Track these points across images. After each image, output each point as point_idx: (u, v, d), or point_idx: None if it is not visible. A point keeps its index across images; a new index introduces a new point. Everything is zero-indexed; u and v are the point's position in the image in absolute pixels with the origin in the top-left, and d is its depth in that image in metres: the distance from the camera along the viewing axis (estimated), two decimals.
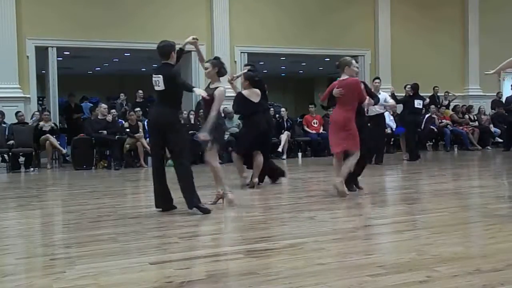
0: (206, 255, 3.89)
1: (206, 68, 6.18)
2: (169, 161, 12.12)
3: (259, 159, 7.68)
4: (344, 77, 6.53)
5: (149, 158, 11.88)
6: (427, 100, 13.97)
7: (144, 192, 7.98)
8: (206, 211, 5.57)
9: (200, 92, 5.76)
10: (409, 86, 12.15)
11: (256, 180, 7.72)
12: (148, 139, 11.79)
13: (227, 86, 6.62)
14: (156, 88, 5.69)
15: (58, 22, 12.97)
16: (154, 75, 5.68)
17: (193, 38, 6.13)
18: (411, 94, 12.03)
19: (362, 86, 6.80)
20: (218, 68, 6.13)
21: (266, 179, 8.08)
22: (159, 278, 3.32)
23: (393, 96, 12.34)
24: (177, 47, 5.94)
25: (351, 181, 6.82)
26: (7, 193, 8.18)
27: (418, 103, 11.98)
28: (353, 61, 6.70)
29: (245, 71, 8.09)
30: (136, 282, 3.25)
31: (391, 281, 3.16)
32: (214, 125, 5.86)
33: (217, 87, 5.99)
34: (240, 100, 7.68)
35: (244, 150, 7.78)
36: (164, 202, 5.77)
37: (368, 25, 16.23)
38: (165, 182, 5.77)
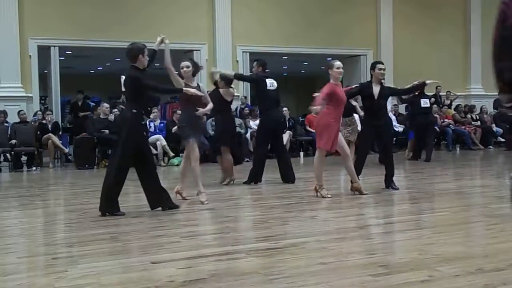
0: (208, 254, 3.89)
1: (187, 67, 6.45)
2: (172, 160, 12.12)
3: (228, 156, 7.95)
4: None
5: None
6: (432, 99, 13.97)
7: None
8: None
9: (190, 91, 5.96)
10: None
11: (229, 178, 8.03)
12: (149, 138, 11.87)
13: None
14: (123, 89, 5.98)
15: (60, 21, 12.99)
16: (121, 76, 5.90)
17: (161, 37, 6.10)
18: (417, 93, 12.02)
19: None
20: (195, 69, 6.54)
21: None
22: (161, 278, 3.32)
23: (399, 96, 12.34)
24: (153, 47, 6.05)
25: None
26: (9, 192, 8.19)
27: (424, 102, 11.96)
28: (336, 63, 6.65)
29: (222, 71, 8.54)
30: (137, 281, 3.25)
31: (393, 280, 3.16)
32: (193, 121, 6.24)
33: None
34: (215, 96, 7.78)
35: (218, 146, 8.07)
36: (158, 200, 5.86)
37: (370, 25, 16.22)
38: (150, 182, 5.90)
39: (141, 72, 5.71)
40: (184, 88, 6.00)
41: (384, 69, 7.24)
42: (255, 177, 8.13)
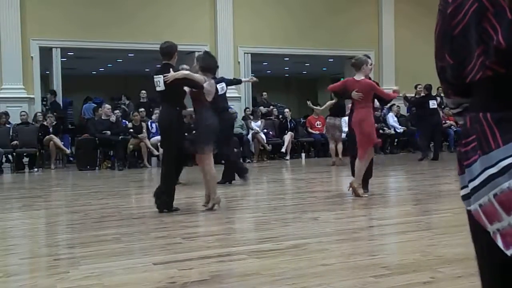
0: (210, 256, 3.89)
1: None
2: None
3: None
4: (360, 77, 6.55)
5: (153, 159, 11.95)
6: (439, 100, 13.97)
7: (147, 193, 7.97)
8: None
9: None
10: (420, 86, 12.14)
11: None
12: (151, 139, 11.89)
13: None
14: (158, 88, 5.79)
15: (62, 23, 13.01)
16: (155, 76, 5.76)
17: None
18: (425, 94, 12.04)
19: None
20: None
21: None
22: (162, 279, 3.32)
23: (405, 98, 12.36)
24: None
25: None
26: (11, 193, 8.20)
27: (432, 104, 12.03)
28: (369, 60, 6.74)
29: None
30: (139, 283, 3.26)
31: (395, 282, 3.15)
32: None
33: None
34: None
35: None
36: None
37: (372, 26, 16.21)
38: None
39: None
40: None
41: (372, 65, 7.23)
42: (230, 177, 8.15)
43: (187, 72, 5.92)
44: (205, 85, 5.68)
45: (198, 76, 5.74)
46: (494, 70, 1.15)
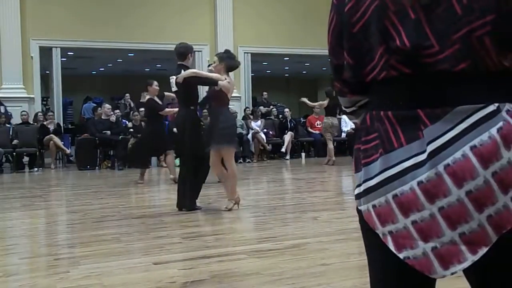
0: (210, 255, 3.89)
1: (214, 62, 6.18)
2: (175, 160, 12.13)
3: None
4: None
5: (153, 158, 11.94)
6: None
7: (147, 192, 8.00)
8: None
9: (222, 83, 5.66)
10: None
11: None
12: None
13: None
14: (172, 89, 5.94)
15: (62, 22, 13.01)
16: (170, 77, 5.90)
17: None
18: None
19: None
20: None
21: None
22: (162, 278, 3.32)
23: None
24: None
25: None
26: (11, 193, 8.19)
27: None
28: None
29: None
30: (139, 282, 3.26)
31: None
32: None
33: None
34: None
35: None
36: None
37: None
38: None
39: None
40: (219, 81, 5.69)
41: None
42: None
43: (195, 70, 6.02)
44: (223, 82, 5.59)
45: (209, 74, 5.73)
46: (399, 70, 1.12)
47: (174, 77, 5.76)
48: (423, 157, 1.08)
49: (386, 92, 1.16)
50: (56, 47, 13.26)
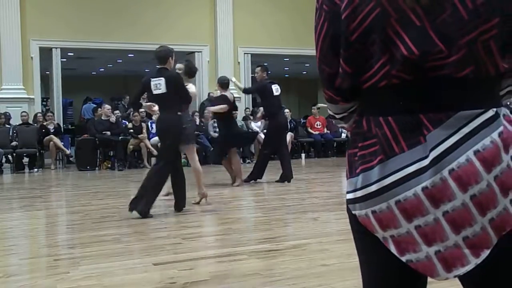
0: (210, 256, 3.89)
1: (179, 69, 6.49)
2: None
3: (236, 158, 8.29)
4: None
5: (153, 159, 11.93)
6: None
7: None
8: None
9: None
10: None
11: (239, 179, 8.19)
12: (151, 140, 11.88)
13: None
14: (156, 91, 5.70)
15: (62, 23, 13.01)
16: (153, 79, 5.69)
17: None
18: None
19: None
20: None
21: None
22: (162, 279, 3.32)
23: None
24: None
25: None
26: (11, 193, 8.19)
27: None
28: None
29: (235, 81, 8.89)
30: (139, 283, 3.26)
31: None
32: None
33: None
34: (222, 100, 8.05)
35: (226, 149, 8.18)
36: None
37: None
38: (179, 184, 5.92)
39: None
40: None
41: None
42: (256, 176, 8.34)
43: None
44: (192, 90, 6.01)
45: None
46: (401, 78, 1.11)
47: (162, 78, 5.64)
48: (426, 162, 1.08)
49: (385, 98, 1.15)
50: (56, 48, 13.26)
